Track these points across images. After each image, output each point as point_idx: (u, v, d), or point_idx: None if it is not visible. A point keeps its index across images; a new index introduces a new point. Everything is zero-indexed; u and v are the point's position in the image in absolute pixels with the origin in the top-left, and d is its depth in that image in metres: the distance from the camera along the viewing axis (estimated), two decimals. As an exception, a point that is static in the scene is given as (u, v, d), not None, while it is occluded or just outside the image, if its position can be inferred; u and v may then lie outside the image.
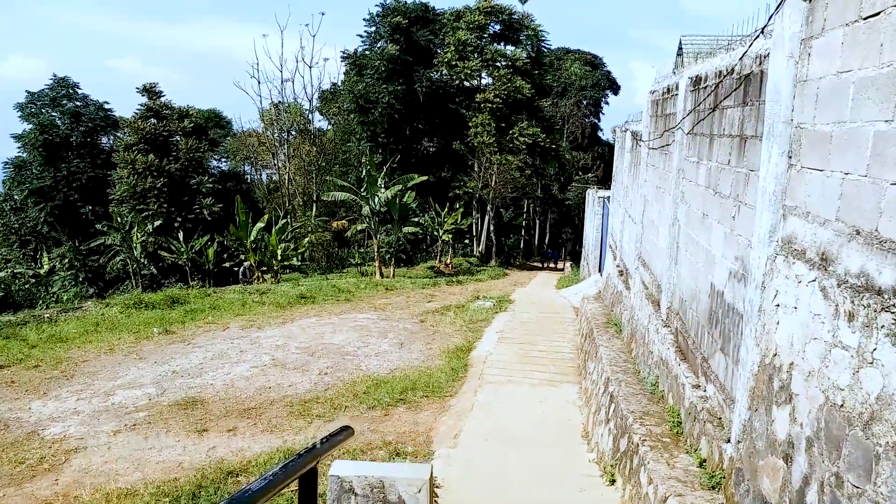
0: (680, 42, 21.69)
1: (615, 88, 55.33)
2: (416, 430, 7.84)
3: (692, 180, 5.94)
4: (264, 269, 22.49)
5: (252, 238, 22.09)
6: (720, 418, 4.43)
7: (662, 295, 6.87)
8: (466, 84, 38.35)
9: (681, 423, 5.19)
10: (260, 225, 22.43)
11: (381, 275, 24.76)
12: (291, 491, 4.85)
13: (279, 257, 22.24)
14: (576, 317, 14.30)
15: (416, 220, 27.73)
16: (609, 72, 54.65)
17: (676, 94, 6.88)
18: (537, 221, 53.56)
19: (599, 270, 18.84)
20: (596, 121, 54.69)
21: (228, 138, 55.55)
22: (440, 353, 11.22)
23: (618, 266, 11.91)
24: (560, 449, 7.08)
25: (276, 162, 38.75)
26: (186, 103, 41.04)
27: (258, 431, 7.81)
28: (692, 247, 5.76)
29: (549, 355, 10.93)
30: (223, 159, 54.46)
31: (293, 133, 38.73)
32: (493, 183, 36.44)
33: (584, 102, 52.27)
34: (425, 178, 27.59)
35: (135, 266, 32.10)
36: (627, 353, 8.40)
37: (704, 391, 4.89)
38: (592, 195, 22.06)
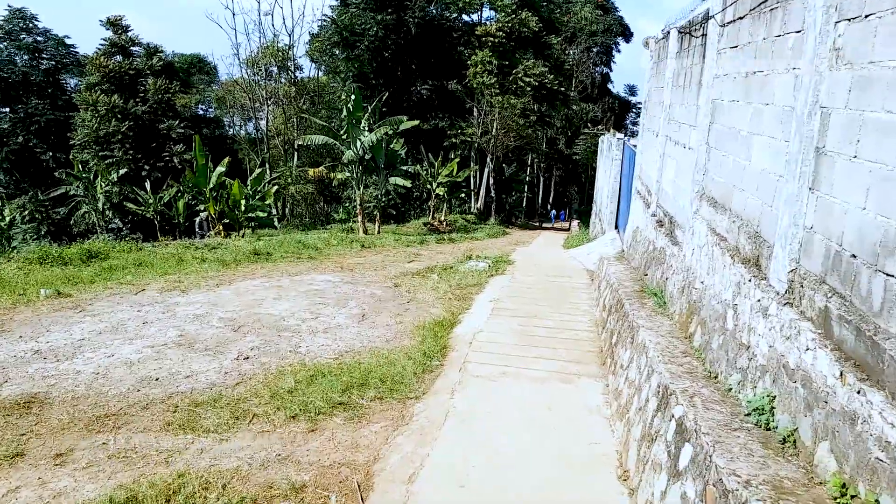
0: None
1: (627, 36, 51.17)
2: (352, 460, 4.95)
3: (872, 12, 2.88)
4: (226, 221, 19.43)
5: (212, 185, 18.97)
6: None
7: (775, 248, 3.88)
8: (465, 18, 34.30)
9: (890, 538, 2.25)
10: (221, 170, 19.19)
11: (365, 231, 21.72)
12: None
13: (243, 208, 19.12)
14: (591, 282, 11.37)
15: (405, 168, 24.44)
16: (621, 17, 50.42)
17: None
18: (542, 178, 50.18)
19: (616, 227, 15.82)
20: (608, 70, 50.76)
21: (214, 86, 51.83)
22: (412, 330, 8.30)
23: (654, 216, 8.89)
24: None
25: (253, 106, 34.98)
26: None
27: (101, 458, 4.92)
28: (881, 143, 2.74)
29: (560, 334, 8.03)
30: (210, 109, 50.92)
31: (274, 78, 35.04)
32: (493, 130, 32.77)
33: (595, 50, 48.28)
34: (416, 122, 24.23)
35: (99, 218, 29.14)
36: (685, 340, 5.46)
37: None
38: (609, 139, 18.89)
